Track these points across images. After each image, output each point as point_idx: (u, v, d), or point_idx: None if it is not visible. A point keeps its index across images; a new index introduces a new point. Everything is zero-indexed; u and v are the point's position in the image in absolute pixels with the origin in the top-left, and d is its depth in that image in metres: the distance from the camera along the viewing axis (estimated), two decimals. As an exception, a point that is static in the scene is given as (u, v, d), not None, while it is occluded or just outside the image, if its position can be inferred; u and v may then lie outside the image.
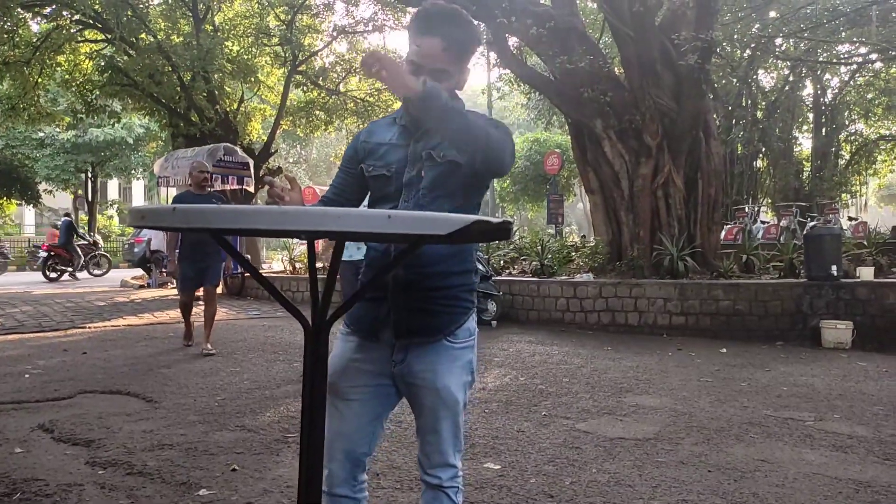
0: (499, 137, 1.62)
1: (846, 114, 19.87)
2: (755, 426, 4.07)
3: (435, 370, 1.72)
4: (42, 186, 26.96)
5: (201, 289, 6.82)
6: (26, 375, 5.55)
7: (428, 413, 1.74)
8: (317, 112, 16.97)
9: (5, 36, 13.23)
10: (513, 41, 11.36)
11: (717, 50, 11.38)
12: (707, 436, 3.88)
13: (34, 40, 14.11)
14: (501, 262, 10.64)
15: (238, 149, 13.22)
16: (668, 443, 3.75)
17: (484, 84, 22.18)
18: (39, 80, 14.72)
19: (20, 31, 13.73)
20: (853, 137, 20.79)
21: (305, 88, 17.15)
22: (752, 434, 3.92)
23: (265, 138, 16.46)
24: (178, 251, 6.53)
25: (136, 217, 1.31)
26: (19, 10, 12.64)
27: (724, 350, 6.81)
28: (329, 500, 1.76)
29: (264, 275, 13.17)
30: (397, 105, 1.85)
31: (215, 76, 14.57)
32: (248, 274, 12.37)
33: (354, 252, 5.60)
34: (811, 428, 4.04)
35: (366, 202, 1.91)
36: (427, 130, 1.73)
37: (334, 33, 16.38)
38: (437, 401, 1.72)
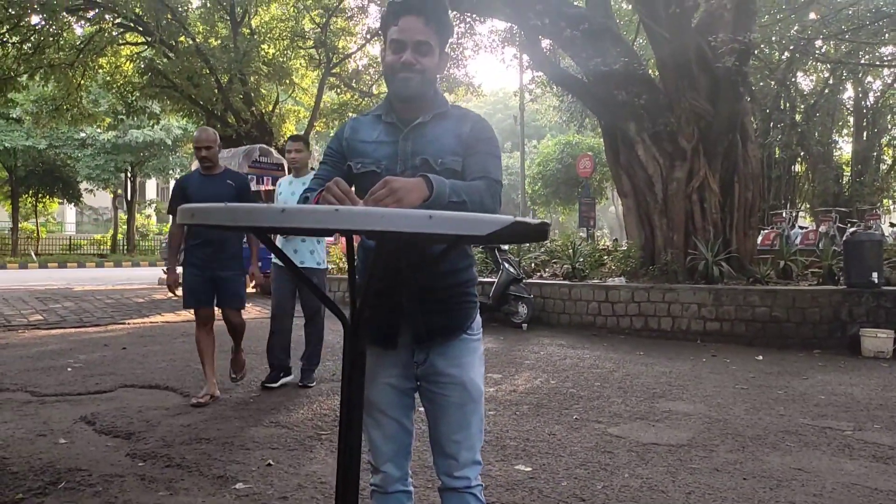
0: (491, 207, 1.68)
1: (889, 117, 19.34)
2: (792, 435, 4.00)
3: (460, 364, 1.75)
4: (83, 186, 27.73)
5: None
6: (69, 369, 5.71)
7: (456, 410, 1.76)
8: (350, 114, 17.11)
9: (51, 39, 13.64)
10: (546, 43, 11.34)
11: (755, 52, 11.19)
12: (742, 443, 3.82)
13: (78, 43, 14.51)
14: (533, 264, 10.60)
15: (273, 150, 13.42)
16: (702, 449, 3.71)
17: (516, 86, 22.12)
18: (82, 81, 15.13)
19: (65, 35, 14.13)
20: (896, 142, 20.24)
21: (339, 90, 17.35)
22: (788, 442, 3.85)
23: (299, 140, 16.64)
24: (182, 254, 4.73)
25: (185, 215, 1.35)
26: (64, 13, 13.00)
27: (760, 357, 6.70)
28: (383, 498, 1.81)
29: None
30: None
31: (251, 78, 14.84)
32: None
33: (307, 258, 5.04)
34: (850, 438, 3.95)
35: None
36: (415, 128, 1.75)
37: (368, 36, 16.53)
38: (465, 395, 1.75)
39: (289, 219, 1.12)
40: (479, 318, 1.85)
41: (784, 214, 14.48)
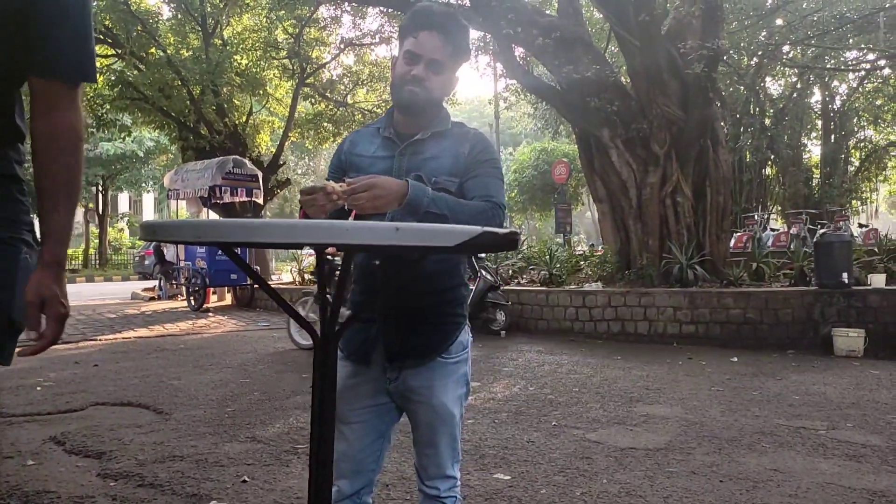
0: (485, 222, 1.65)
1: (855, 120, 19.78)
2: (767, 435, 4.04)
3: (431, 387, 1.72)
4: (53, 200, 27.19)
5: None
6: (38, 388, 5.58)
7: (425, 428, 1.75)
8: (325, 124, 17.08)
9: (18, 52, 13.40)
10: (519, 51, 11.42)
11: (724, 58, 11.38)
12: (718, 445, 3.85)
13: (46, 56, 14.27)
14: (510, 271, 10.63)
15: (247, 161, 13.32)
16: (679, 453, 3.73)
17: (491, 94, 22.27)
18: (51, 94, 14.87)
19: (32, 47, 13.90)
20: (862, 144, 20.69)
21: (313, 101, 17.28)
22: (764, 443, 3.89)
23: (274, 150, 16.57)
24: None
25: (147, 232, 1.33)
26: (31, 26, 12.79)
27: (735, 359, 6.77)
28: None
29: (273, 286, 13.23)
30: None
31: (224, 89, 14.71)
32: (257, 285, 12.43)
33: None
34: (824, 437, 4.00)
35: None
36: (413, 144, 1.74)
37: (342, 46, 16.51)
38: (433, 416, 1.73)
39: (251, 234, 1.11)
40: (464, 338, 1.79)
41: (756, 217, 14.69)
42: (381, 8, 13.82)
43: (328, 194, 1.50)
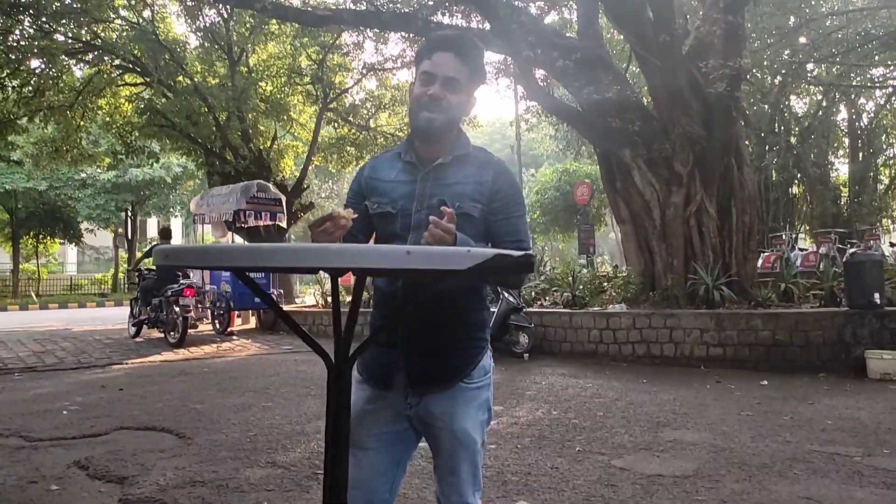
0: (517, 280, 1.85)
1: (883, 137, 19.45)
2: (799, 462, 3.92)
3: (452, 412, 1.70)
4: (84, 225, 27.85)
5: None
6: (64, 412, 5.63)
7: (446, 455, 1.72)
8: (348, 148, 17.25)
9: (50, 82, 13.79)
10: (539, 73, 11.45)
11: (747, 77, 11.29)
12: (749, 472, 3.74)
13: (77, 85, 14.67)
14: (533, 293, 10.55)
15: (271, 185, 13.47)
16: (708, 480, 3.62)
17: (512, 117, 22.33)
18: (82, 122, 15.25)
19: (64, 77, 14.30)
20: (892, 161, 20.30)
21: (336, 125, 17.49)
22: (796, 470, 3.76)
23: (297, 174, 16.77)
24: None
25: (160, 257, 1.33)
26: (63, 56, 13.17)
27: (765, 382, 6.61)
28: None
29: (296, 309, 13.30)
30: None
31: (249, 115, 14.96)
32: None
33: None
34: (859, 464, 3.86)
35: None
36: (435, 168, 1.73)
37: (364, 71, 16.72)
38: (454, 443, 1.71)
39: (258, 258, 1.10)
40: (486, 363, 1.77)
41: (783, 237, 14.44)
42: (403, 33, 13.98)
43: (335, 219, 1.49)
